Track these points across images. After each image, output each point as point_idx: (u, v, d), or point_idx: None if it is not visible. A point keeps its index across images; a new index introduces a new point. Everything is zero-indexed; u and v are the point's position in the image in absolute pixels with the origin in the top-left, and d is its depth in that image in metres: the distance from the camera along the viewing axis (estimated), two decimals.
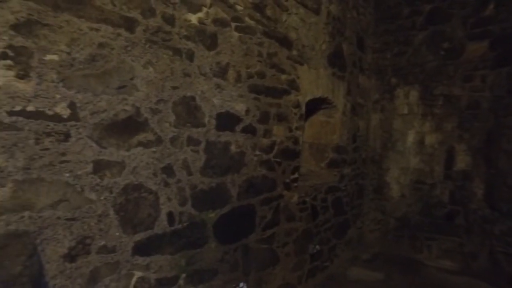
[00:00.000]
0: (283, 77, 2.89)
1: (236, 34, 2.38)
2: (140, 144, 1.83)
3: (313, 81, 3.33)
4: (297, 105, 3.10)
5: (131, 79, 1.77)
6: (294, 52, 3.02)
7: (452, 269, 3.98)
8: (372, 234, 4.79)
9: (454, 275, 3.84)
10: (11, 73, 1.33)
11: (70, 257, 1.56)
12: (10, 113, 1.34)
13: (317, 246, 3.59)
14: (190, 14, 2.04)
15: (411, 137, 4.52)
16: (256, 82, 2.59)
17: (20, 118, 1.37)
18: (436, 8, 4.26)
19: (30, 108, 1.39)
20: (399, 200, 4.60)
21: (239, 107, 2.45)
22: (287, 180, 3.03)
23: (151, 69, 1.86)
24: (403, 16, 4.53)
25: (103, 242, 1.69)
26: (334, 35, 3.67)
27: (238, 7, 2.38)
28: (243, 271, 2.59)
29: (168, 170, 1.98)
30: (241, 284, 2.56)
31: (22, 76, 1.36)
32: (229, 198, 2.42)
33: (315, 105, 3.72)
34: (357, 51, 4.31)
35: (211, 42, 2.19)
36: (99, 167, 1.65)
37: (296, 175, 3.15)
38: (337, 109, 3.89)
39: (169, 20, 1.93)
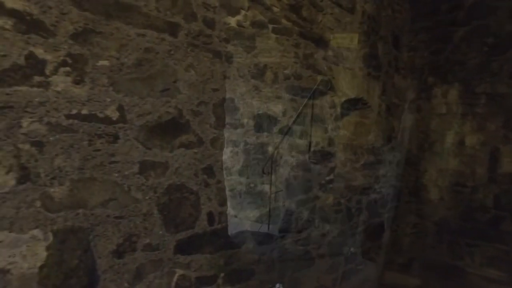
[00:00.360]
0: (319, 77, 2.87)
1: (273, 35, 2.38)
2: (182, 145, 1.87)
3: (349, 82, 3.27)
4: (333, 106, 3.06)
5: (174, 82, 1.82)
6: (330, 53, 2.98)
7: (499, 278, 3.74)
8: (407, 238, 4.62)
9: (501, 285, 3.62)
10: (69, 79, 1.41)
11: (118, 253, 1.63)
12: (68, 116, 1.42)
13: (352, 249, 3.52)
14: (229, 17, 2.07)
15: (450, 138, 4.31)
16: (292, 83, 2.59)
17: (76, 121, 1.45)
18: (478, 2, 4.04)
19: (84, 111, 1.47)
20: (437, 203, 4.40)
21: (276, 109, 2.45)
22: (323, 181, 3.00)
23: (192, 72, 1.90)
24: (442, 12, 4.33)
25: (147, 240, 1.75)
26: (369, 34, 3.59)
27: (275, 9, 2.39)
28: (279, 272, 2.59)
29: (208, 170, 2.01)
30: (277, 285, 2.56)
31: (78, 81, 1.44)
32: (266, 199, 2.43)
33: (349, 106, 3.65)
34: (392, 50, 4.18)
35: (249, 44, 2.21)
36: (145, 167, 1.71)
37: (331, 176, 3.11)
38: (372, 110, 3.80)
39: (210, 23, 1.97)
